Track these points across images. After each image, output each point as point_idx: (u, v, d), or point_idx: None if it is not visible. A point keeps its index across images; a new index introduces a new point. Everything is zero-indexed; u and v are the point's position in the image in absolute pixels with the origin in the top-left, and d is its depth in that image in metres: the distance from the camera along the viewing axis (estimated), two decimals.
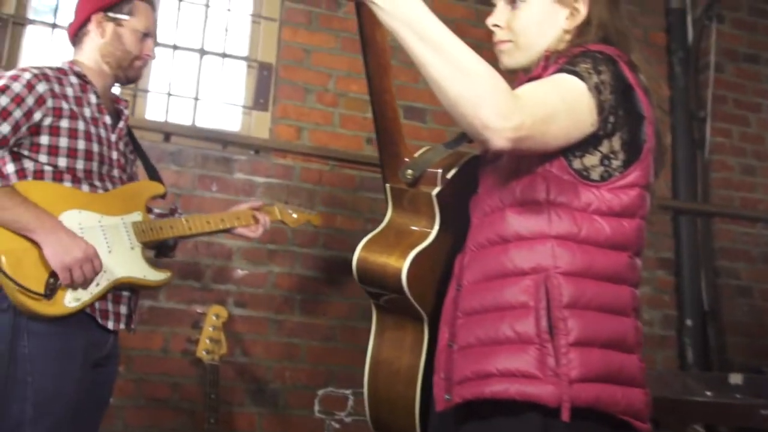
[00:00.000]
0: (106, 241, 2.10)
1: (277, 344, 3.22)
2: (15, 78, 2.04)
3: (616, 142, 1.42)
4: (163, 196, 2.37)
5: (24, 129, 2.02)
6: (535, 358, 1.35)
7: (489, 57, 4.11)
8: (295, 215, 2.66)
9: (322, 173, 3.41)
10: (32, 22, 3.27)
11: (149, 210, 2.42)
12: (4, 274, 1.91)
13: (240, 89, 3.51)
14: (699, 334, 3.70)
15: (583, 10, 1.55)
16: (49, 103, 2.06)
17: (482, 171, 1.60)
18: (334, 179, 3.42)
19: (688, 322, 3.70)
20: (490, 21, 1.64)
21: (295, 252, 3.29)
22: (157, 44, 2.35)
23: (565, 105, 1.36)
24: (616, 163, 1.43)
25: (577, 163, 1.42)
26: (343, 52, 3.51)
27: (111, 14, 2.22)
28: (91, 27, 2.23)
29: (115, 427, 2.95)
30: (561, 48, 1.55)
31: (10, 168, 2.04)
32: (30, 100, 2.02)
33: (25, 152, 2.05)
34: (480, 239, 1.51)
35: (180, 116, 3.40)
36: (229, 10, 3.55)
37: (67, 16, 3.24)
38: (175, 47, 3.43)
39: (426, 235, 1.58)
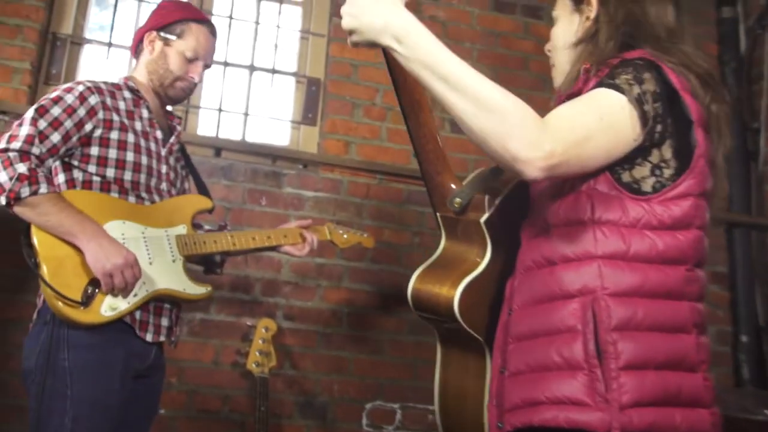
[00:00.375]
0: (148, 252, 2.11)
1: (325, 357, 3.24)
2: (68, 90, 2.11)
3: (666, 151, 1.37)
4: (210, 211, 2.38)
5: (75, 139, 2.07)
6: (584, 384, 1.32)
7: (537, 68, 4.06)
8: (345, 236, 2.64)
9: (369, 187, 3.43)
10: (89, 41, 3.37)
11: (199, 225, 2.45)
12: (44, 281, 1.93)
13: (289, 104, 3.56)
14: (755, 350, 3.60)
15: (593, 13, 1.53)
16: (100, 114, 2.12)
17: (531, 192, 1.58)
18: (381, 193, 3.44)
19: (743, 338, 3.60)
20: (546, 47, 1.69)
21: (342, 266, 3.31)
22: (207, 67, 2.39)
23: (603, 123, 1.31)
24: (668, 173, 1.38)
25: (626, 176, 1.38)
26: None
27: (162, 34, 2.29)
28: (145, 44, 2.32)
29: None
30: (584, 56, 1.52)
31: (60, 178, 2.10)
32: (81, 111, 2.08)
33: (75, 162, 2.10)
34: (527, 262, 1.49)
35: (230, 131, 3.46)
36: (278, 26, 3.61)
37: (122, 35, 3.35)
38: (225, 64, 3.49)
39: (478, 262, 1.57)
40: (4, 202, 1.94)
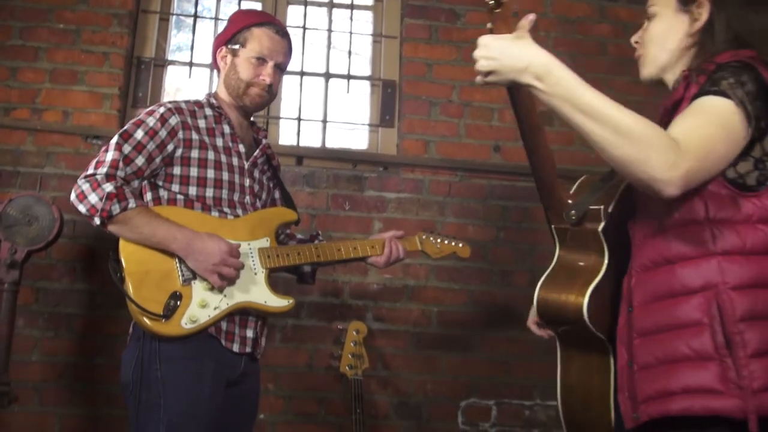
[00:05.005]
0: None
1: (417, 357, 3.25)
2: (150, 113, 2.20)
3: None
4: (296, 223, 2.41)
5: (158, 160, 2.16)
6: (716, 373, 1.38)
7: (615, 51, 3.95)
8: (438, 246, 2.56)
9: (451, 184, 3.42)
10: (171, 62, 3.50)
11: (292, 236, 2.49)
12: (127, 296, 2.02)
13: (365, 108, 3.59)
14: None
15: (704, 15, 1.57)
16: (180, 134, 2.19)
17: (638, 194, 1.62)
18: (463, 190, 3.42)
19: None
20: (632, 39, 1.74)
21: (429, 265, 3.31)
22: (281, 67, 2.38)
23: (722, 131, 1.39)
24: None
25: (731, 172, 1.43)
26: (464, 62, 3.51)
27: (229, 46, 2.34)
28: (219, 61, 2.39)
29: None
30: (687, 57, 1.59)
31: (147, 197, 2.19)
32: (163, 133, 2.16)
33: (160, 182, 2.19)
34: (644, 261, 1.55)
35: (310, 139, 3.52)
36: (350, 32, 3.64)
37: (202, 54, 3.46)
38: (302, 73, 3.55)
39: (597, 269, 1.67)
40: (98, 222, 2.04)
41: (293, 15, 3.63)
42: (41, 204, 2.75)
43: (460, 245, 2.60)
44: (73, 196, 2.08)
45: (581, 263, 1.72)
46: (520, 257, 3.37)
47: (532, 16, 1.46)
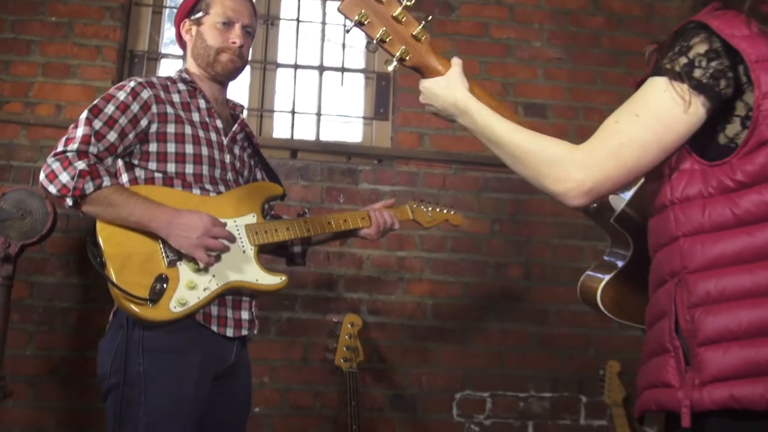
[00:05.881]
0: None
1: (411, 350, 3.25)
2: (120, 87, 2.07)
3: (751, 98, 1.28)
4: (282, 197, 2.29)
5: (131, 136, 2.02)
6: (671, 365, 1.31)
7: (609, 43, 3.93)
8: (430, 214, 2.50)
9: (445, 177, 3.42)
10: (164, 56, 3.49)
11: (278, 217, 2.39)
12: (110, 281, 1.90)
13: (360, 101, 3.59)
14: None
15: None
16: (154, 108, 2.06)
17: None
18: (457, 182, 3.42)
19: None
20: None
21: (423, 257, 3.32)
22: (248, 30, 2.23)
23: (641, 119, 1.31)
24: None
25: (722, 138, 1.32)
26: (458, 54, 3.48)
27: (192, 17, 2.23)
28: (184, 36, 2.28)
29: None
30: None
31: (124, 178, 2.06)
32: (135, 107, 2.03)
33: (136, 161, 2.06)
34: (650, 253, 1.50)
35: (305, 132, 3.51)
36: (344, 25, 3.62)
37: None
38: (296, 66, 3.54)
39: (621, 259, 1.69)
40: (70, 203, 1.92)
41: (287, 7, 3.62)
42: (34, 198, 2.74)
43: (452, 213, 2.57)
44: (42, 177, 1.94)
45: (614, 253, 1.73)
46: (515, 250, 3.38)
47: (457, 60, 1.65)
